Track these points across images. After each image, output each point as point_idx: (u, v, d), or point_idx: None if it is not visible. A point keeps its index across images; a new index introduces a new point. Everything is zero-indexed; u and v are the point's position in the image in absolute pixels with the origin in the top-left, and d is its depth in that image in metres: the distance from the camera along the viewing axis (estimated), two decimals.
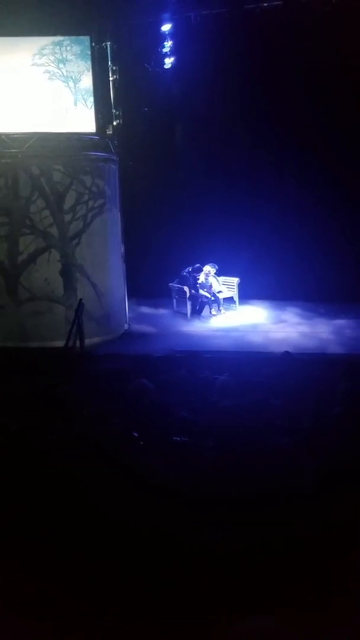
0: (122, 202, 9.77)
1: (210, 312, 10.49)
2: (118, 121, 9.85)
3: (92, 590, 2.18)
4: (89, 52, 9.36)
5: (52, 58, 9.21)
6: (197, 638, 2.01)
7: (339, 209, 10.37)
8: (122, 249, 9.93)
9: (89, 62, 9.35)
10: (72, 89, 9.33)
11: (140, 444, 3.45)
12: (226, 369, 5.80)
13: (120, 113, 9.87)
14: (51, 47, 9.20)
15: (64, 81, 9.29)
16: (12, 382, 5.74)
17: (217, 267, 10.63)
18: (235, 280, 10.64)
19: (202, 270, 10.54)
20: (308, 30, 9.69)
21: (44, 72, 9.23)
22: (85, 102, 9.38)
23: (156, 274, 10.90)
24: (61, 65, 9.25)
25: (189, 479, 2.83)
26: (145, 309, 10.74)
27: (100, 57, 9.49)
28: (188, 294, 10.28)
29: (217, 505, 2.54)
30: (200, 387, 5.13)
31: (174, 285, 10.65)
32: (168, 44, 9.88)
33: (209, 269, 10.54)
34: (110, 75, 9.67)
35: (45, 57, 9.20)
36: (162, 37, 9.85)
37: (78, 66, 9.32)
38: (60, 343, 8.23)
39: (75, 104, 9.35)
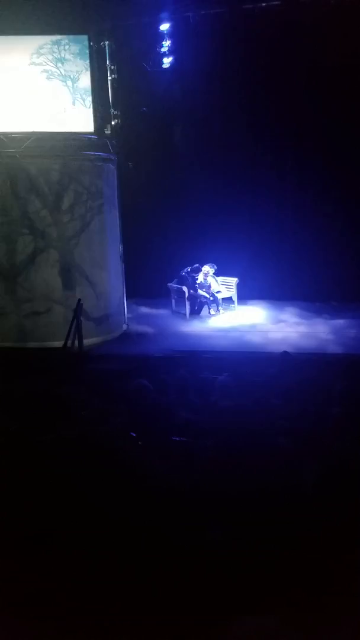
0: (121, 202, 9.75)
1: (209, 312, 10.49)
2: (116, 121, 9.81)
3: (92, 590, 2.18)
4: (88, 52, 9.32)
5: (50, 57, 9.18)
6: (197, 638, 2.01)
7: (338, 209, 10.37)
8: (121, 249, 9.91)
9: (88, 62, 9.31)
10: (71, 89, 9.31)
11: (140, 444, 3.45)
12: (225, 369, 5.79)
13: (119, 113, 9.84)
14: (49, 46, 9.16)
15: (62, 80, 9.26)
16: (11, 382, 5.74)
17: (215, 267, 10.64)
18: (234, 281, 10.64)
19: (200, 271, 10.54)
20: (307, 29, 9.68)
21: (42, 71, 9.19)
22: (83, 101, 9.36)
23: (155, 274, 10.90)
24: (59, 65, 9.23)
25: (189, 479, 2.83)
26: (144, 309, 10.73)
27: (98, 57, 9.46)
28: (187, 294, 10.28)
29: (217, 505, 2.54)
30: (199, 387, 5.12)
31: (173, 285, 10.64)
32: (167, 44, 9.87)
33: (207, 269, 10.54)
34: (108, 74, 9.63)
35: (44, 56, 9.17)
36: (161, 37, 9.84)
37: (76, 65, 9.29)
38: (59, 343, 8.22)
39: (74, 103, 9.33)
